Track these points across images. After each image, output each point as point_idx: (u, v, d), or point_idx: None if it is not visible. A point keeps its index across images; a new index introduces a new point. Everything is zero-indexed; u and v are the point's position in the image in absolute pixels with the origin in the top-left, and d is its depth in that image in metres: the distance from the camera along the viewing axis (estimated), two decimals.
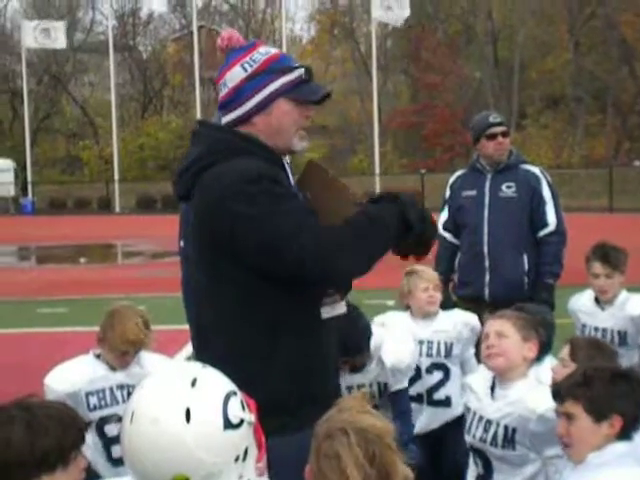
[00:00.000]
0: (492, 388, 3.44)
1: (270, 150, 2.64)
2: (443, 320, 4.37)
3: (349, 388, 3.77)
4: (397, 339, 3.94)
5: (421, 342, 4.28)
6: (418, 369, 4.18)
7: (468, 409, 3.52)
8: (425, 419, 4.31)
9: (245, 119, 2.65)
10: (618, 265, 4.53)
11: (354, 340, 3.52)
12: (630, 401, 2.67)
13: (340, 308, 2.69)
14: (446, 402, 4.30)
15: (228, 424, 1.90)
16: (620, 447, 2.63)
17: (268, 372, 2.52)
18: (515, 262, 4.98)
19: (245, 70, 2.64)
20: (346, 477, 1.93)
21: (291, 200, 2.55)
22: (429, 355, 4.32)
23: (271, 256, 2.47)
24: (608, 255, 4.55)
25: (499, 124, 5.09)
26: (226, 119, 2.70)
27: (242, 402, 1.98)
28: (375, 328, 3.88)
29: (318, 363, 2.62)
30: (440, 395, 4.27)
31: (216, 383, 1.97)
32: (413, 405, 4.17)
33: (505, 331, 3.37)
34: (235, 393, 1.97)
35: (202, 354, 2.70)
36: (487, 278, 5.01)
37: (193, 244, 2.73)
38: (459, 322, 4.35)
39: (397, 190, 2.82)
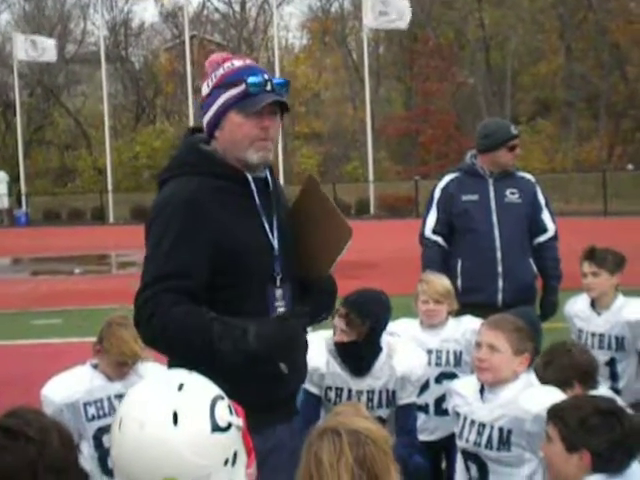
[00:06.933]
0: (481, 391, 3.42)
1: (228, 166, 2.70)
2: (452, 328, 4.30)
3: (359, 393, 3.75)
4: (410, 349, 3.89)
5: (430, 351, 4.21)
6: (427, 379, 4.11)
7: (457, 414, 3.49)
8: (432, 428, 4.27)
9: (210, 134, 2.76)
10: (604, 264, 4.53)
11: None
12: (602, 439, 2.63)
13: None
14: None
15: (216, 427, 1.90)
16: (594, 479, 2.61)
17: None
18: (527, 266, 5.03)
19: (208, 87, 2.75)
20: (333, 477, 1.91)
21: (176, 243, 2.59)
22: (438, 365, 4.27)
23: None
24: (594, 254, 4.58)
25: (518, 136, 5.12)
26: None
27: (229, 407, 1.98)
28: (386, 336, 3.84)
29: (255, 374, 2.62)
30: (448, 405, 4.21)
31: (203, 387, 1.98)
32: (420, 415, 4.13)
33: (498, 345, 3.32)
34: (222, 397, 1.98)
35: None
36: (500, 284, 4.96)
37: None
38: (468, 330, 4.23)
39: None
